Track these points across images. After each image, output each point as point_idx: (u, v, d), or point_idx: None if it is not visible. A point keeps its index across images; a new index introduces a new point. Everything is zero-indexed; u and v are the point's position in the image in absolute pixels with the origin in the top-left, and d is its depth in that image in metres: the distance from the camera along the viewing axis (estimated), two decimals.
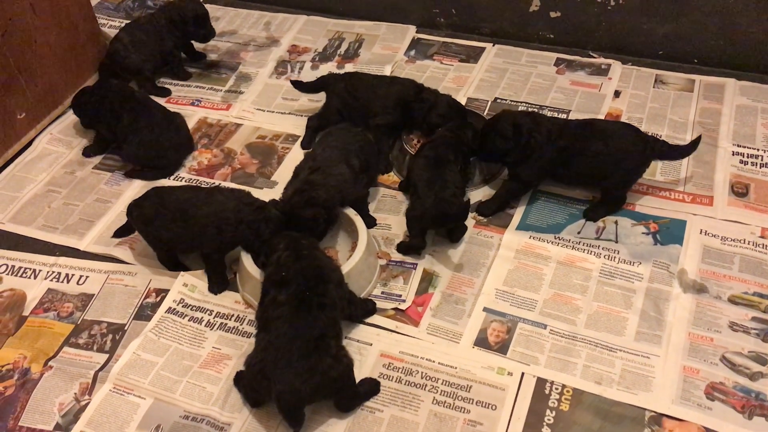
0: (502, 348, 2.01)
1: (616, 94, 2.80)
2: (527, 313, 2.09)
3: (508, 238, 2.29)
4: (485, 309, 2.11)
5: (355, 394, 1.90)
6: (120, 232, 2.34)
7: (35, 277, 2.33)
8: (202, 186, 2.31)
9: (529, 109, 2.75)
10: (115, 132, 2.64)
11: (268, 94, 2.97)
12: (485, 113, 2.75)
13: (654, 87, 2.82)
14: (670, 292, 2.11)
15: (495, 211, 2.36)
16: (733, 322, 2.02)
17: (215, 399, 1.95)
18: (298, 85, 2.82)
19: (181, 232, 2.18)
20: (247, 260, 2.14)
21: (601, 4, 2.91)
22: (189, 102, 2.96)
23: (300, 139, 2.72)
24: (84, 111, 2.71)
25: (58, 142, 2.82)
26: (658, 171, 2.46)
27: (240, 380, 1.95)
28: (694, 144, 2.33)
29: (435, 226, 2.26)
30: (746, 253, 2.19)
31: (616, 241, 2.25)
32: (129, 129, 2.58)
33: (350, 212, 2.26)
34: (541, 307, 2.10)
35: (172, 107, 2.92)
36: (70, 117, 2.89)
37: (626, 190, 2.33)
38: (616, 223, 2.31)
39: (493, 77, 2.95)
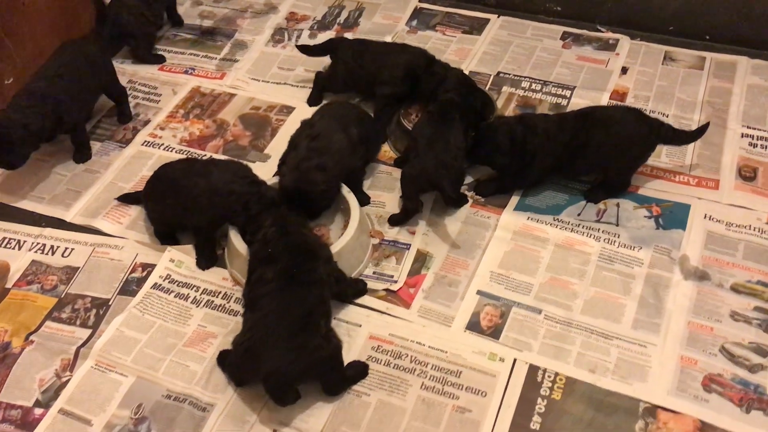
0: (494, 333, 1.95)
1: (623, 70, 2.70)
2: (522, 297, 2.02)
3: (506, 219, 2.21)
4: (479, 292, 2.04)
5: (342, 377, 1.84)
6: (125, 198, 2.33)
7: (20, 248, 2.27)
8: (198, 158, 2.24)
9: (532, 86, 2.66)
10: None
11: (264, 63, 2.88)
12: (487, 87, 2.66)
13: (663, 64, 2.72)
14: (670, 279, 2.04)
15: (493, 194, 2.28)
16: (734, 311, 1.96)
17: (198, 378, 1.90)
18: (305, 49, 2.74)
19: (173, 203, 2.13)
20: (235, 236, 2.07)
21: None
22: (182, 70, 2.88)
23: (293, 112, 2.64)
24: None
25: None
26: (663, 153, 2.37)
27: (224, 360, 1.90)
28: (702, 130, 2.25)
29: (431, 189, 2.18)
30: (751, 240, 2.12)
31: (617, 225, 2.17)
32: None
33: (344, 189, 2.19)
34: (537, 291, 2.04)
35: (165, 75, 2.86)
36: None
37: (630, 175, 2.25)
38: (617, 205, 2.23)
39: (496, 50, 2.85)
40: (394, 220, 2.22)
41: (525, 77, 2.71)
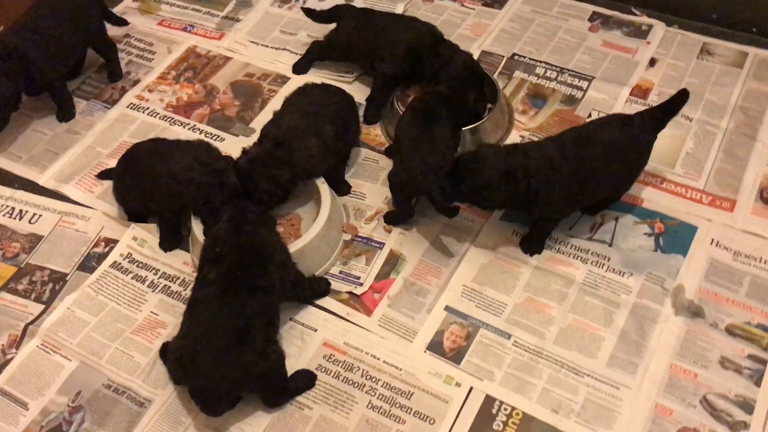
0: (456, 356, 1.81)
1: (652, 62, 2.43)
2: (492, 318, 1.86)
3: (489, 228, 2.03)
4: (447, 308, 1.89)
5: (284, 389, 1.74)
6: (102, 175, 2.23)
7: None
8: (165, 139, 2.11)
9: (547, 73, 2.42)
10: None
11: (266, 25, 2.71)
12: (498, 71, 2.44)
13: (698, 58, 2.43)
14: (659, 313, 1.84)
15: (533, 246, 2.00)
16: (725, 357, 1.76)
17: (141, 371, 1.82)
18: (310, 12, 2.55)
19: (134, 185, 2.03)
20: (196, 224, 1.96)
21: None
22: (181, 27, 2.73)
23: (287, 83, 2.48)
24: None
25: None
26: (678, 162, 2.14)
27: (165, 353, 1.81)
28: (680, 96, 1.94)
29: (421, 195, 2.02)
30: (759, 276, 1.89)
31: (610, 245, 1.97)
32: None
33: (318, 180, 2.04)
34: (510, 312, 1.87)
35: (163, 31, 2.72)
36: None
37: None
38: (616, 219, 2.03)
39: (515, 28, 2.60)
40: (389, 219, 2.06)
41: (541, 62, 2.47)
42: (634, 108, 2.27)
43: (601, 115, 2.27)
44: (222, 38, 2.67)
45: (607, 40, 2.52)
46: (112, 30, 2.60)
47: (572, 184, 1.83)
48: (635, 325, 1.82)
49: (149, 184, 1.97)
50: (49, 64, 2.28)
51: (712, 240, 1.97)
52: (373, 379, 1.78)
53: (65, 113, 2.43)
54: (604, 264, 1.94)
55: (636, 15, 2.59)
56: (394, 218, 2.07)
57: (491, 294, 1.91)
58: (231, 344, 1.60)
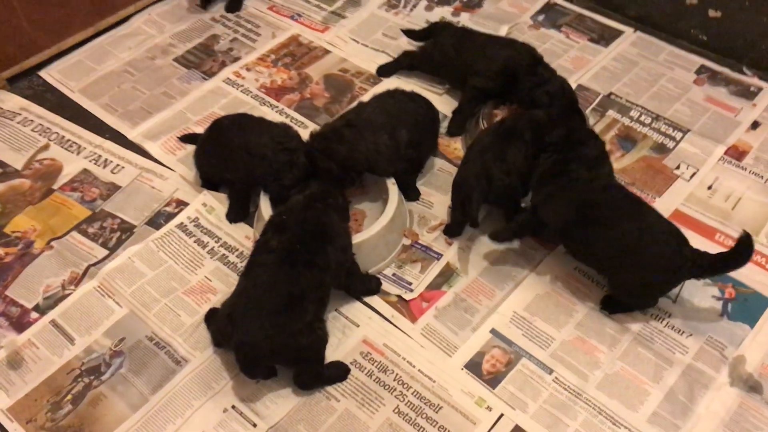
0: (493, 380, 1.77)
1: (754, 125, 2.33)
2: (537, 350, 1.81)
3: (552, 260, 1.98)
4: (493, 331, 1.85)
5: (318, 373, 1.74)
6: (186, 138, 2.30)
7: (78, 154, 2.32)
8: (252, 115, 2.18)
9: (642, 117, 2.36)
10: None
11: (370, 26, 2.75)
12: (591, 107, 2.40)
13: None
14: (713, 379, 1.75)
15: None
16: None
17: (184, 330, 1.86)
18: (409, 33, 2.62)
19: (213, 152, 2.10)
20: (264, 201, 2.00)
21: None
22: (289, 14, 2.81)
23: (379, 84, 2.50)
24: None
25: (153, 24, 2.77)
26: (763, 231, 2.03)
27: (210, 318, 1.85)
28: (741, 250, 1.69)
29: (466, 200, 1.93)
30: None
31: (674, 301, 1.89)
32: None
33: (389, 181, 2.04)
34: (556, 347, 1.82)
35: (271, 16, 2.80)
36: (174, 2, 2.84)
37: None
38: None
39: (617, 68, 2.54)
40: (447, 230, 2.05)
41: (637, 105, 2.40)
42: (726, 168, 2.19)
43: (690, 168, 2.20)
44: (326, 31, 2.73)
45: (711, 95, 2.43)
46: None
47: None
48: (685, 386, 1.74)
49: (227, 154, 2.03)
50: None
51: None
52: (405, 385, 1.76)
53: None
54: (664, 319, 1.86)
55: (746, 75, 2.49)
56: (450, 230, 2.05)
57: (541, 325, 1.86)
58: (283, 308, 1.62)
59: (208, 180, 2.18)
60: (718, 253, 1.75)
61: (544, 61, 2.28)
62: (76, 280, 1.98)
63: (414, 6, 2.82)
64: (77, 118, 2.43)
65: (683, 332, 1.83)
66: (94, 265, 2.01)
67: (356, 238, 1.90)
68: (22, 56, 2.54)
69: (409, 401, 1.73)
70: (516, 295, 1.92)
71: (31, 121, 2.42)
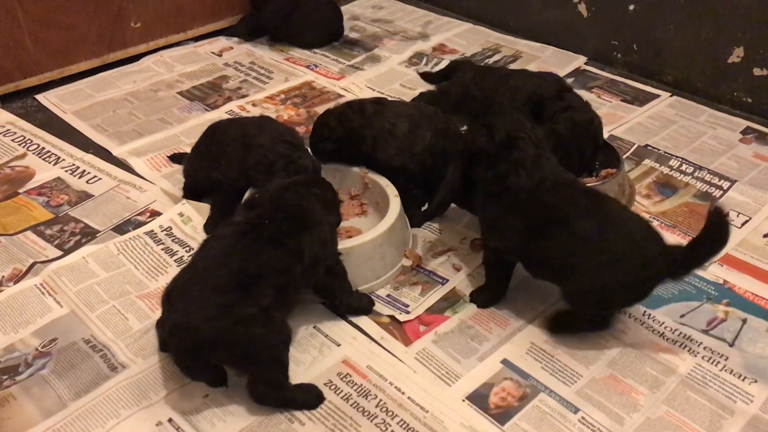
0: (502, 415, 1.39)
1: None
2: (560, 385, 1.44)
3: None
4: (505, 361, 1.49)
5: (279, 383, 1.37)
6: (174, 158, 2.12)
7: (55, 164, 2.11)
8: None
9: (682, 166, 2.11)
10: None
11: (388, 77, 2.60)
12: (626, 155, 2.15)
13: None
14: None
15: None
16: None
17: (129, 335, 1.54)
18: (427, 76, 2.49)
19: (206, 150, 1.88)
20: None
21: None
22: (305, 65, 2.69)
23: None
24: None
25: (163, 63, 2.67)
26: None
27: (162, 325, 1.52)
28: (713, 227, 1.37)
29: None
30: None
31: (731, 345, 1.53)
32: None
33: (391, 190, 1.78)
34: (584, 385, 1.44)
35: (287, 65, 2.68)
36: (189, 48, 2.76)
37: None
38: (744, 321, 1.59)
39: (654, 125, 2.33)
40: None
41: (678, 156, 2.15)
42: None
43: (741, 216, 1.91)
44: (341, 79, 2.59)
45: (760, 153, 2.18)
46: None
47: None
48: None
49: (221, 149, 1.82)
50: None
51: None
52: (390, 414, 1.38)
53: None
54: (718, 362, 1.49)
55: None
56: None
57: (565, 360, 1.49)
58: (233, 286, 1.30)
59: (193, 188, 1.94)
60: (690, 240, 1.43)
61: (573, 90, 2.07)
62: (18, 277, 1.69)
63: (436, 65, 2.69)
64: (65, 135, 2.25)
65: (745, 378, 1.45)
66: (42, 262, 1.73)
67: (347, 243, 1.61)
68: (19, 75, 2.41)
69: (393, 431, 1.35)
70: (535, 325, 1.57)
71: (14, 132, 2.25)
